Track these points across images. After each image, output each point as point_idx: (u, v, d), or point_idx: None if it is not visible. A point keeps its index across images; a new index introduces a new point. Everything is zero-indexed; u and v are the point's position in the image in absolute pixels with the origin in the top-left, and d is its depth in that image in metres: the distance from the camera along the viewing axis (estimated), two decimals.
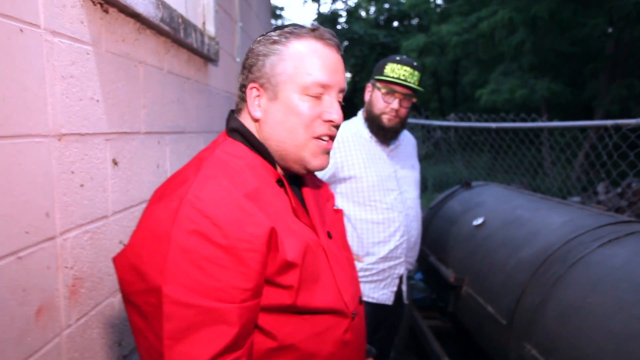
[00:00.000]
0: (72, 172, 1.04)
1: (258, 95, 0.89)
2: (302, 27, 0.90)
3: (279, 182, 0.89)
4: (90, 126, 1.11)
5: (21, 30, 0.86)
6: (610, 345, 1.29)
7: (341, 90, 0.90)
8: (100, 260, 1.17)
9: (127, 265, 0.75)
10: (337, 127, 0.90)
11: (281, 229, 0.79)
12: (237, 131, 0.91)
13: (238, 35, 2.72)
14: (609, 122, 2.79)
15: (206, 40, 1.94)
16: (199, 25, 2.03)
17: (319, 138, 0.88)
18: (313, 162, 0.89)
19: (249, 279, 0.72)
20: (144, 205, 1.44)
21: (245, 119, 0.92)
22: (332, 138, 0.90)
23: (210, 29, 2.13)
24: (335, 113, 0.87)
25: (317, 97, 0.87)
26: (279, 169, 0.92)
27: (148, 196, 1.47)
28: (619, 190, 5.66)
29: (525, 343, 1.63)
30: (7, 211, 0.82)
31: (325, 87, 0.87)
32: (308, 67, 0.85)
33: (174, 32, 1.54)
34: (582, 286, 1.52)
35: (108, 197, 1.21)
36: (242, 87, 0.92)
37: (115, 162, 1.24)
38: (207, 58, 2.03)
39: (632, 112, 8.39)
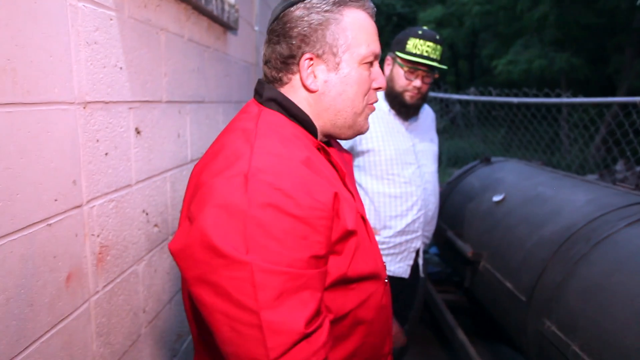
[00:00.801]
0: (97, 141, 1.03)
1: (313, 65, 0.86)
2: None
3: (321, 149, 0.89)
4: (114, 94, 1.09)
5: None
6: (634, 324, 1.28)
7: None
8: (124, 228, 1.18)
9: (197, 245, 0.71)
10: None
11: (340, 196, 0.80)
12: (274, 101, 0.88)
13: (257, 3, 2.66)
14: (637, 99, 2.70)
15: (226, 7, 1.89)
16: None
17: (371, 104, 0.93)
18: (365, 125, 0.94)
19: (324, 246, 0.74)
20: (165, 175, 1.44)
21: (292, 91, 0.88)
22: None
23: None
24: (383, 80, 0.92)
25: (371, 65, 0.90)
26: (319, 138, 0.92)
27: (170, 165, 1.46)
28: (638, 168, 5.53)
29: (545, 319, 1.62)
30: (37, 178, 0.82)
31: (376, 56, 0.90)
32: (364, 37, 0.87)
33: None
34: (607, 265, 1.50)
35: (131, 166, 1.20)
36: (289, 59, 0.86)
37: (138, 131, 1.23)
38: (227, 26, 1.99)
39: None
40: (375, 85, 0.91)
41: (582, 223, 1.74)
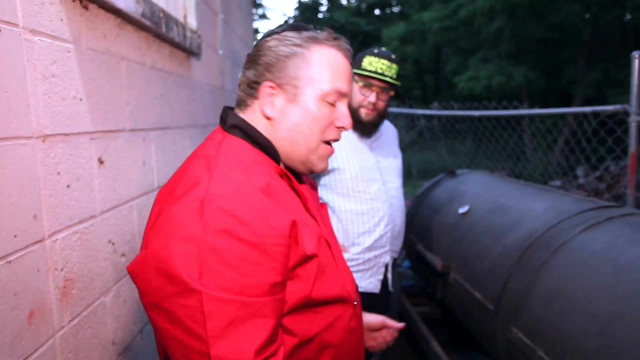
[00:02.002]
0: (58, 173, 1.02)
1: (273, 94, 0.89)
2: (320, 32, 0.91)
3: (283, 176, 0.90)
4: (75, 125, 1.09)
5: None
6: (593, 327, 1.34)
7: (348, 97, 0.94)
8: (90, 260, 1.16)
9: (151, 271, 0.72)
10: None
11: (299, 222, 0.80)
12: (237, 127, 0.90)
13: (220, 27, 2.69)
14: (587, 109, 2.85)
15: (188, 33, 1.91)
16: (181, 19, 2.00)
17: (327, 142, 0.92)
18: (319, 165, 0.93)
19: (278, 273, 0.74)
20: (132, 204, 1.42)
21: (252, 116, 0.91)
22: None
23: (192, 22, 2.10)
24: (347, 120, 0.91)
25: (333, 104, 0.90)
26: (281, 164, 0.93)
27: (136, 193, 1.45)
28: (597, 173, 5.80)
29: (512, 327, 1.67)
30: None
31: (341, 95, 0.90)
32: (329, 75, 0.88)
33: (155, 27, 1.51)
34: (564, 271, 1.57)
35: (95, 196, 1.19)
36: (254, 84, 0.90)
37: (101, 161, 1.22)
38: (190, 52, 2.01)
39: (607, 96, 8.56)
40: (338, 124, 0.91)
41: (541, 231, 1.82)
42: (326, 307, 0.85)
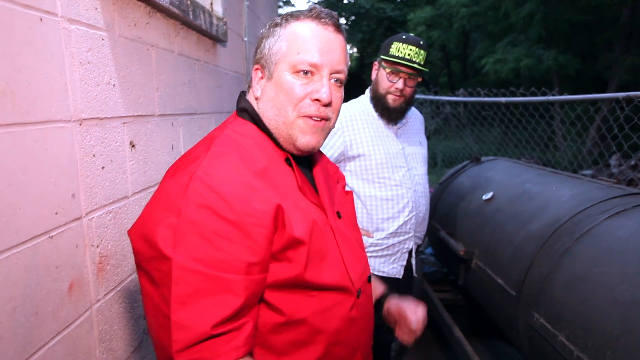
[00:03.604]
0: (94, 155, 1.08)
1: (258, 76, 0.93)
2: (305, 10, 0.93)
3: (287, 161, 0.91)
4: (109, 110, 1.15)
5: (41, 19, 0.89)
6: (615, 313, 1.33)
7: (336, 71, 0.89)
8: (123, 239, 1.22)
9: (139, 235, 0.79)
10: (328, 107, 0.89)
11: (288, 206, 0.82)
12: (246, 111, 0.94)
13: (245, 14, 2.72)
14: (620, 95, 2.76)
15: (214, 21, 1.95)
16: (207, 6, 2.04)
17: (309, 117, 0.88)
18: (301, 138, 0.89)
19: (255, 253, 0.76)
20: None
21: (251, 99, 0.96)
22: (324, 119, 0.90)
23: (218, 10, 2.13)
24: (324, 93, 0.87)
25: (308, 77, 0.87)
26: (286, 149, 0.94)
27: None
28: (632, 162, 5.60)
29: (533, 312, 1.67)
30: (38, 193, 0.87)
31: (315, 66, 0.87)
32: (298, 45, 0.87)
33: (183, 15, 1.55)
34: (589, 257, 1.55)
35: (127, 178, 1.25)
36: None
37: (132, 145, 1.28)
38: (216, 39, 2.05)
39: None
40: (313, 96, 0.87)
41: (566, 217, 1.79)
42: (322, 292, 0.86)
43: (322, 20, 0.88)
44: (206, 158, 0.81)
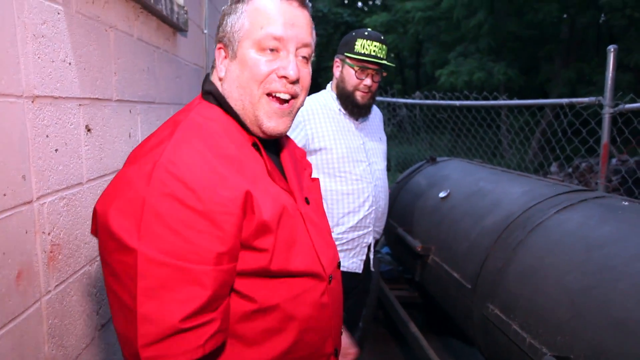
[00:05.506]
0: (47, 136, 1.01)
1: (222, 56, 0.90)
2: None
3: (254, 145, 0.89)
4: (64, 89, 1.08)
5: None
6: (565, 299, 1.41)
7: (304, 45, 0.87)
8: (76, 227, 1.15)
9: (100, 227, 0.74)
10: (296, 84, 0.87)
11: (257, 192, 0.79)
12: (211, 94, 0.91)
13: (206, 5, 2.66)
14: (564, 101, 2.95)
15: (175, 8, 1.89)
16: None
17: (275, 97, 0.86)
18: (267, 123, 0.87)
19: (224, 242, 0.73)
20: None
21: (215, 81, 0.92)
22: (292, 97, 0.88)
23: None
24: (291, 69, 0.84)
25: (274, 53, 0.85)
26: (253, 133, 0.91)
27: (121, 165, 1.44)
28: (569, 170, 5.99)
29: (488, 304, 1.74)
30: None
31: (279, 39, 0.84)
32: (262, 20, 0.84)
33: None
34: (540, 249, 1.64)
35: (82, 164, 1.18)
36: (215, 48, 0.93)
37: (88, 129, 1.21)
38: (177, 27, 1.99)
39: (580, 95, 8.83)
40: (280, 72, 0.84)
41: (518, 212, 1.88)
42: (293, 278, 0.85)
43: None
44: (170, 144, 0.76)
